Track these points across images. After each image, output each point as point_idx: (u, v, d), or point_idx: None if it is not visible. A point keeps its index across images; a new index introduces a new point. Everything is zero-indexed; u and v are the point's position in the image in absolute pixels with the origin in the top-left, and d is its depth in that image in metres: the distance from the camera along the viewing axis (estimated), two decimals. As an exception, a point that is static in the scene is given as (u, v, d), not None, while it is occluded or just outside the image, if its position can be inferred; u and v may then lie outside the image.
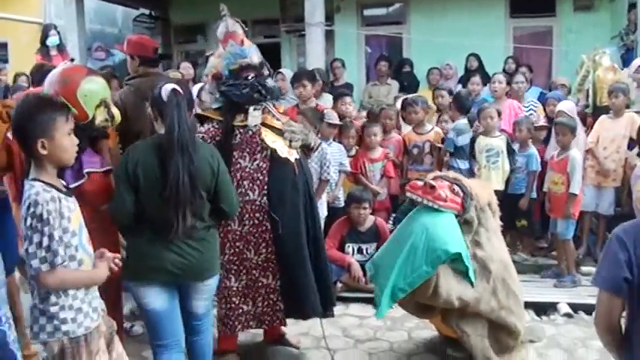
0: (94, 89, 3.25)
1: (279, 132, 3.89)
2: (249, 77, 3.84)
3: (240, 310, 3.90)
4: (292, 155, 3.86)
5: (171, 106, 2.95)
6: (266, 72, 3.98)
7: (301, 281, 3.85)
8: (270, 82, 3.92)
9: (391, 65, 8.47)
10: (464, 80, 8.10)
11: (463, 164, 5.89)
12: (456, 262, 3.56)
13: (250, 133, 3.86)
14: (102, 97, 3.31)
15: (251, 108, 3.83)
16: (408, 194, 3.84)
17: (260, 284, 3.90)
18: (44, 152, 2.37)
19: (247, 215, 3.82)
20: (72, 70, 3.39)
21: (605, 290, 2.12)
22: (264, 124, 3.89)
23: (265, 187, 3.83)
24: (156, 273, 3.00)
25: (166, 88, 3.00)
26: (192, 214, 2.96)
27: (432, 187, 3.67)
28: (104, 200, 3.20)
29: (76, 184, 3.18)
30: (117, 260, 2.66)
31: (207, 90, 4.09)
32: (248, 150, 3.86)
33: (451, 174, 4.04)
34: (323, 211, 5.39)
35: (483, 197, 3.88)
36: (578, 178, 5.34)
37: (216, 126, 3.89)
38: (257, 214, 3.83)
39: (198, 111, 4.27)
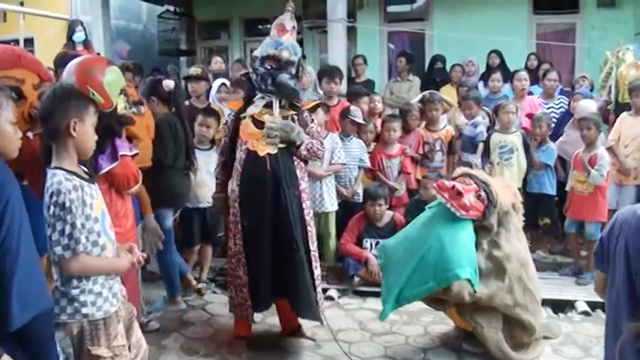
0: (115, 78, 3.37)
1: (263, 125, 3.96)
2: (269, 68, 3.93)
3: (231, 296, 4.16)
4: (264, 150, 3.92)
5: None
6: (292, 70, 4.00)
7: (260, 277, 3.96)
8: (285, 78, 3.92)
9: (410, 61, 8.44)
10: (485, 77, 8.06)
11: (473, 159, 5.92)
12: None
13: (243, 124, 4.01)
14: (121, 85, 3.44)
15: (258, 96, 3.97)
16: (435, 192, 3.85)
17: (235, 275, 4.06)
18: (74, 134, 2.45)
19: (232, 202, 4.06)
20: (95, 61, 3.51)
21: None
22: (253, 117, 3.97)
23: (240, 178, 3.97)
24: None
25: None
26: None
27: (460, 193, 3.67)
28: (132, 183, 3.45)
29: (111, 166, 3.34)
30: (141, 258, 2.75)
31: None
32: (240, 141, 4.02)
33: (482, 175, 4.00)
34: (333, 205, 5.45)
35: (508, 200, 3.88)
36: (604, 173, 5.31)
37: (232, 116, 4.14)
38: (235, 203, 4.02)
39: (218, 104, 4.44)
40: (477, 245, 3.80)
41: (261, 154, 3.92)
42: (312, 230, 4.11)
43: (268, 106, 3.98)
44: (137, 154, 3.62)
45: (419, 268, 3.67)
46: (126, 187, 3.46)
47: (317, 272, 4.12)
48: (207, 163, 5.08)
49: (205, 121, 5.18)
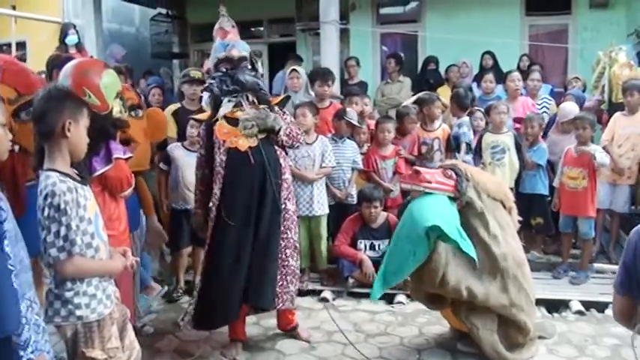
0: (112, 82, 3.37)
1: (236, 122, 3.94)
2: (223, 70, 3.97)
3: None
4: (245, 144, 3.90)
5: None
6: (246, 65, 4.03)
7: (235, 275, 3.90)
8: (242, 74, 3.93)
9: (400, 62, 8.45)
10: (478, 78, 8.08)
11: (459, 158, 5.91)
12: (444, 239, 3.59)
13: (216, 127, 4.01)
14: (118, 89, 3.43)
15: (225, 99, 3.94)
16: (401, 185, 3.96)
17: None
18: (68, 135, 2.45)
19: (212, 208, 4.00)
20: (92, 63, 3.54)
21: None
22: (226, 117, 3.96)
23: (222, 181, 3.94)
24: None
25: None
26: None
27: (417, 171, 3.85)
28: (125, 186, 3.43)
29: (104, 169, 3.32)
30: (134, 262, 2.74)
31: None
32: (218, 144, 3.99)
33: (449, 161, 4.17)
34: (322, 209, 5.44)
35: (490, 187, 3.93)
36: (604, 155, 5.35)
37: (204, 128, 4.14)
38: (213, 207, 3.99)
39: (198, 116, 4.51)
40: (473, 233, 3.80)
41: (243, 149, 3.89)
42: (290, 218, 4.06)
43: (238, 106, 3.96)
44: (131, 157, 3.60)
45: (397, 242, 3.82)
46: (119, 190, 3.44)
47: (292, 262, 4.05)
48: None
49: (195, 123, 5.07)
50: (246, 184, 3.89)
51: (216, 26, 4.19)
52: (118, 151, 3.43)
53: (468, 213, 3.85)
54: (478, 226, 3.84)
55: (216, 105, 4.03)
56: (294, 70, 6.66)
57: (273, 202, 3.92)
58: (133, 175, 3.56)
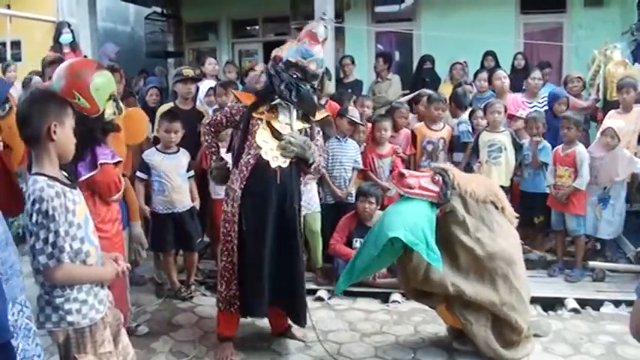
0: (104, 83, 3.31)
1: (279, 135, 3.93)
2: (294, 76, 3.86)
3: (218, 289, 4.09)
4: (276, 162, 3.90)
5: None
6: (315, 84, 3.99)
7: (255, 283, 3.94)
8: (309, 95, 3.91)
9: (388, 60, 8.45)
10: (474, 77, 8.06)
11: (459, 157, 6.11)
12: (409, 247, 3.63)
13: (257, 127, 3.93)
14: (111, 90, 3.37)
15: (276, 101, 3.88)
16: (387, 184, 3.99)
17: (227, 272, 4.03)
18: (54, 138, 2.40)
19: (230, 202, 3.97)
20: (83, 64, 3.48)
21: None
22: (268, 122, 3.93)
23: (244, 183, 3.91)
24: None
25: None
26: None
27: (401, 174, 3.89)
28: (113, 191, 3.37)
29: (90, 174, 3.28)
30: (125, 268, 2.70)
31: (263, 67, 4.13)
32: (249, 142, 3.94)
33: (443, 164, 4.20)
34: (309, 207, 5.42)
35: (479, 190, 3.94)
36: (586, 174, 5.33)
37: (241, 107, 4.01)
38: (235, 204, 3.94)
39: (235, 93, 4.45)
40: (455, 238, 3.86)
41: (274, 165, 3.89)
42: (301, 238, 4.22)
43: (283, 113, 3.95)
44: (120, 161, 3.53)
45: (366, 243, 3.89)
46: (107, 195, 3.39)
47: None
48: (177, 166, 5.05)
49: (171, 126, 5.02)
50: (266, 199, 3.91)
51: (309, 27, 3.97)
52: (104, 155, 3.36)
53: (449, 220, 3.89)
54: (459, 232, 3.87)
55: (262, 96, 3.97)
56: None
57: (292, 222, 4.00)
58: (121, 179, 3.50)
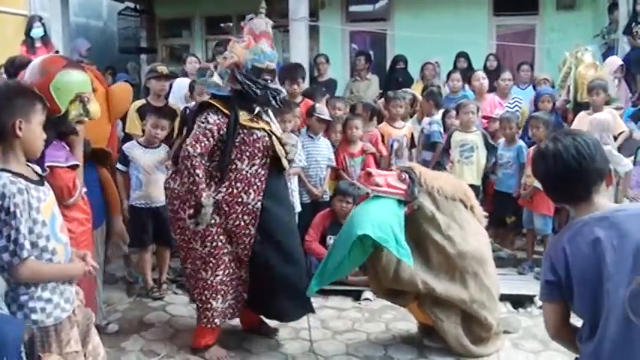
0: (69, 82, 3.18)
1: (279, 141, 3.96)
2: (268, 80, 3.86)
3: (209, 305, 3.95)
4: (289, 166, 4.07)
5: None
6: (277, 82, 4.03)
7: (288, 290, 4.03)
8: (284, 92, 3.99)
9: (369, 60, 8.49)
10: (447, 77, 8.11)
11: (429, 156, 6.18)
12: (378, 244, 3.66)
13: (255, 136, 3.86)
14: (78, 91, 3.23)
15: (257, 110, 3.88)
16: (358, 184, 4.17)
17: (235, 276, 4.00)
18: (19, 134, 2.35)
19: (235, 215, 3.86)
20: (50, 62, 3.32)
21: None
22: (271, 131, 3.93)
23: (261, 194, 3.87)
24: None
25: None
26: None
27: (369, 173, 3.95)
28: (66, 196, 3.19)
29: None
30: (92, 268, 2.65)
31: (217, 72, 3.93)
32: (248, 153, 3.84)
33: (409, 163, 4.28)
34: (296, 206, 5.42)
35: (447, 189, 3.98)
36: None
37: (222, 120, 3.80)
38: (245, 217, 3.87)
39: (205, 98, 4.33)
40: (426, 236, 3.90)
41: (287, 170, 4.09)
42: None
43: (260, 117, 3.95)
44: (77, 165, 3.33)
45: (337, 243, 3.92)
46: (60, 199, 3.08)
47: None
48: (157, 160, 5.01)
49: (159, 122, 5.00)
50: (284, 200, 4.05)
51: (261, 26, 3.96)
52: (54, 158, 3.15)
53: (419, 217, 3.91)
54: (430, 230, 3.90)
55: (240, 105, 3.83)
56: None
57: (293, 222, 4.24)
58: (76, 183, 3.28)
